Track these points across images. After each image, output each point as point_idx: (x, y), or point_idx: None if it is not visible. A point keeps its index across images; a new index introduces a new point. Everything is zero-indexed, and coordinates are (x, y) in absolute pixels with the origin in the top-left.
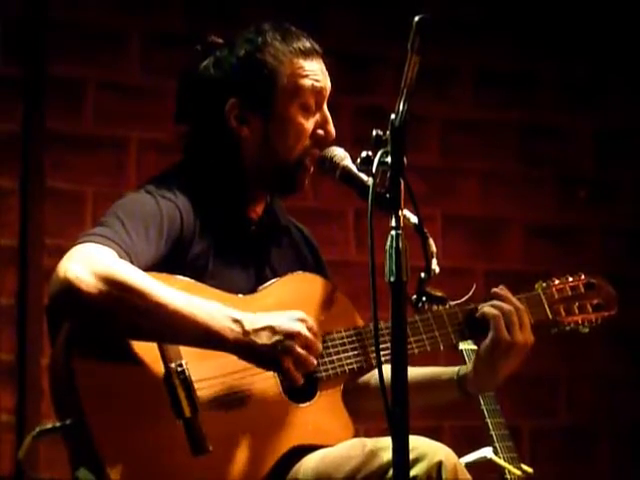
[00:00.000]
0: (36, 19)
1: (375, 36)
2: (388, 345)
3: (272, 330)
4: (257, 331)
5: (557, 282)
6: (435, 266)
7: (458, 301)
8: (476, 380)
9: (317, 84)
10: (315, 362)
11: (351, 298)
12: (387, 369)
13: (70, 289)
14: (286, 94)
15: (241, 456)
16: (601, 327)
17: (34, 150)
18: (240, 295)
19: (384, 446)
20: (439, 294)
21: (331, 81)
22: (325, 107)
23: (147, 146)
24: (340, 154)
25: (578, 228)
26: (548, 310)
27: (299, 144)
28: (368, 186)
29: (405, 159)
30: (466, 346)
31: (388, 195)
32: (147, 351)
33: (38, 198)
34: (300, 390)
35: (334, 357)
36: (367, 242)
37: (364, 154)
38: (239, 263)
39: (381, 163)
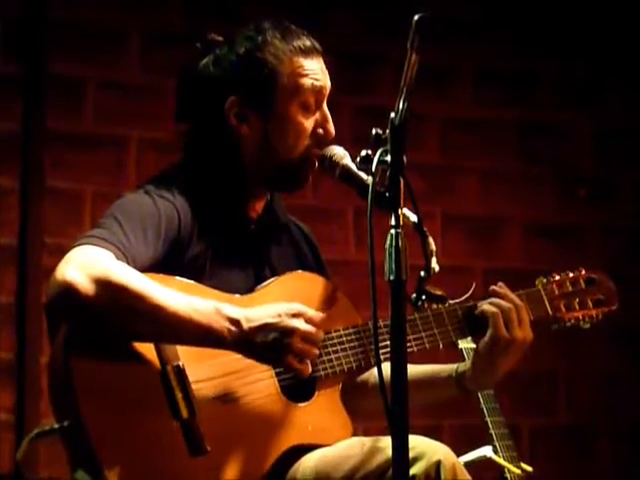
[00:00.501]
0: (36, 18)
1: (375, 36)
2: (387, 343)
3: (270, 328)
4: (255, 330)
5: (557, 278)
6: (435, 265)
7: (458, 300)
8: (475, 377)
9: (317, 83)
10: (317, 352)
11: (351, 297)
12: (386, 367)
13: (68, 292)
14: (286, 93)
15: (240, 456)
16: (601, 325)
17: (34, 149)
18: (237, 295)
19: (383, 445)
20: (439, 293)
21: (331, 80)
22: (325, 106)
23: (147, 145)
24: (340, 153)
25: (578, 227)
26: (548, 306)
27: (299, 143)
28: (368, 185)
29: (405, 158)
30: (466, 345)
31: (388, 194)
32: (145, 352)
33: (38, 197)
34: (298, 389)
35: (332, 356)
36: (367, 241)
37: (364, 153)
38: (238, 263)
39: (381, 162)
